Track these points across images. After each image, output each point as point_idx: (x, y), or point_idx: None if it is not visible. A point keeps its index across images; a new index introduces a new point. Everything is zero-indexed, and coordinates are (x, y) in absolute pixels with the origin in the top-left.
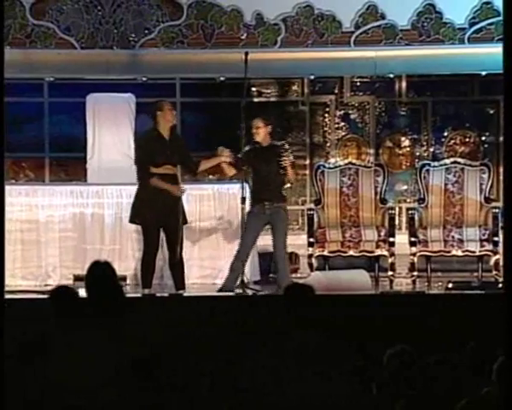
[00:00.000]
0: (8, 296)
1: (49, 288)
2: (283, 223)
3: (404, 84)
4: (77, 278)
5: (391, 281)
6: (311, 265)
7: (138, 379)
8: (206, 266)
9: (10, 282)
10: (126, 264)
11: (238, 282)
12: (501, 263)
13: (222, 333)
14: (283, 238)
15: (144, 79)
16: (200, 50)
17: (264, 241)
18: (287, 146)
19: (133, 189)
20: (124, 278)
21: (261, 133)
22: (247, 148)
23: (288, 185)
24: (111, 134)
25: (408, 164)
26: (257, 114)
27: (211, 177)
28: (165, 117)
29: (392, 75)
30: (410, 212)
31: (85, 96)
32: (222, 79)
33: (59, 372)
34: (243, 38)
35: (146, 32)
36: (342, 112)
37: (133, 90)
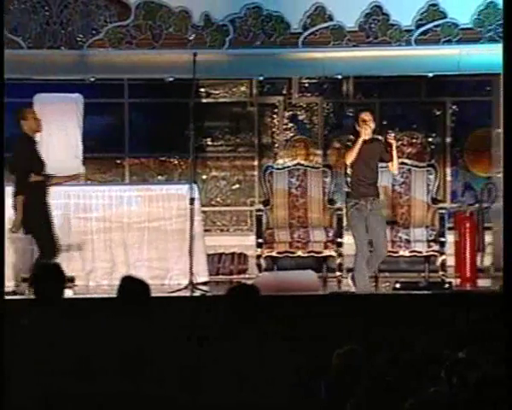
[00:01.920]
0: None
1: None
2: (384, 218)
3: (351, 86)
4: (23, 279)
5: (339, 281)
6: (259, 266)
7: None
8: (155, 267)
9: None
10: (75, 265)
11: None
12: (447, 263)
13: (171, 334)
14: (385, 233)
15: (92, 79)
16: (148, 51)
17: (215, 242)
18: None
19: (80, 189)
20: (72, 279)
21: (369, 128)
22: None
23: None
24: (59, 135)
25: None
26: (206, 114)
27: (159, 177)
28: (30, 126)
29: (339, 76)
30: None
31: (32, 96)
32: (170, 79)
33: None
34: (191, 38)
35: (94, 32)
36: (290, 113)
37: (81, 91)
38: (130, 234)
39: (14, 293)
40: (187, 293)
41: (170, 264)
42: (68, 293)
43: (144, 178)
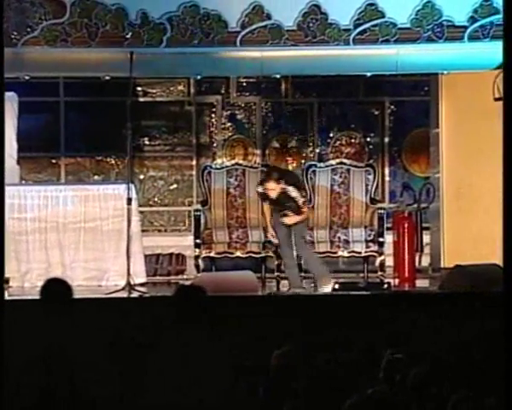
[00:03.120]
0: None
1: None
2: None
3: (290, 85)
4: None
5: (278, 282)
6: (197, 266)
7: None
8: (92, 268)
9: None
10: (9, 266)
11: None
12: (386, 264)
13: (110, 336)
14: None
15: (27, 77)
16: (84, 49)
17: (152, 242)
18: None
19: (15, 189)
20: (6, 281)
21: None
22: None
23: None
24: None
25: (294, 165)
26: (144, 114)
27: (96, 177)
28: None
29: (278, 76)
30: None
31: None
32: (107, 78)
33: None
34: (128, 36)
35: (28, 29)
36: (229, 112)
37: (16, 89)
38: (66, 235)
39: None
40: (124, 294)
41: (107, 265)
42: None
43: (80, 177)
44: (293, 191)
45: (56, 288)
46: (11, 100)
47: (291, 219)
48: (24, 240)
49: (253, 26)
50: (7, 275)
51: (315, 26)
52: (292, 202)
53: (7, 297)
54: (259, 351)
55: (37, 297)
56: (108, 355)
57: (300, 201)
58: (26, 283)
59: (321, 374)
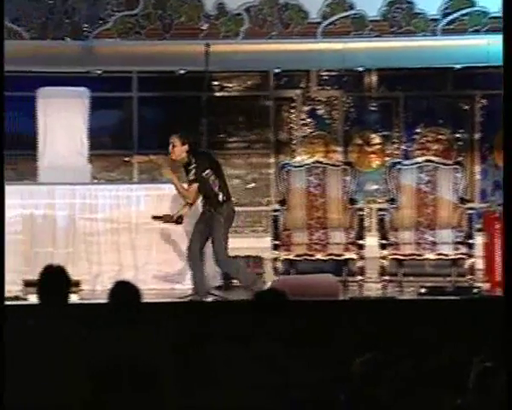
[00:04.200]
0: None
1: None
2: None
3: (374, 78)
4: (27, 284)
5: (360, 286)
6: (276, 269)
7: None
8: (165, 271)
9: None
10: (80, 268)
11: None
12: (476, 267)
13: (184, 341)
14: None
15: (99, 72)
16: (158, 42)
17: (229, 244)
18: None
19: (87, 188)
20: (77, 283)
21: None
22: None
23: None
24: (63, 130)
25: (378, 162)
26: (220, 109)
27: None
28: None
29: (361, 69)
30: (380, 213)
31: (36, 90)
32: (181, 72)
33: None
34: (204, 28)
35: (100, 22)
36: (309, 107)
37: (87, 84)
38: (139, 236)
39: (16, 298)
40: (198, 298)
41: (180, 267)
42: (74, 298)
43: (154, 176)
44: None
45: (124, 291)
46: (82, 95)
47: None
48: (95, 241)
49: (335, 17)
50: (77, 277)
51: (400, 16)
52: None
53: (77, 301)
54: (341, 358)
55: (106, 301)
56: (181, 363)
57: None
58: (97, 285)
59: (406, 382)
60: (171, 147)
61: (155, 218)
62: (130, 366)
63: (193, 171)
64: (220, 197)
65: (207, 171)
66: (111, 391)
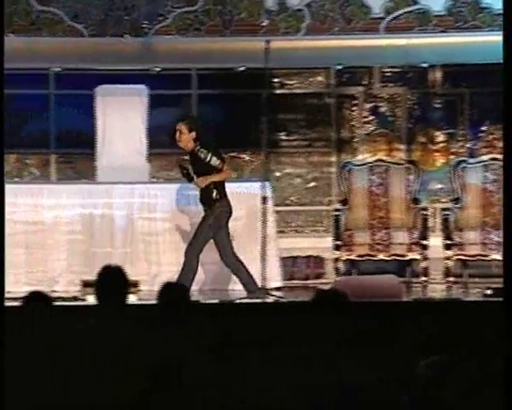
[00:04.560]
0: (11, 304)
1: (55, 294)
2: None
3: (438, 75)
4: (85, 284)
5: (424, 287)
6: (337, 269)
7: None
8: (222, 271)
9: (13, 288)
10: (138, 268)
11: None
12: None
13: (243, 343)
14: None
15: (158, 69)
16: (218, 38)
17: (289, 244)
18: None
19: (145, 187)
20: (136, 284)
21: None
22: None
23: None
24: (122, 129)
25: (442, 161)
26: (280, 107)
27: None
28: None
29: (425, 65)
30: (444, 213)
31: (94, 88)
32: (241, 69)
33: None
34: (264, 24)
35: (160, 18)
36: (371, 105)
37: (146, 82)
38: None
39: (74, 299)
40: (259, 299)
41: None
42: (132, 298)
43: None
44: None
45: (172, 292)
46: (141, 93)
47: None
48: (154, 241)
49: (399, 12)
50: (136, 278)
51: (466, 11)
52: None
53: (136, 301)
54: (404, 359)
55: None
56: (240, 365)
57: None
58: (156, 286)
59: (471, 384)
60: (178, 134)
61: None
62: (186, 366)
63: (214, 158)
64: (214, 194)
65: (214, 158)
66: (163, 392)
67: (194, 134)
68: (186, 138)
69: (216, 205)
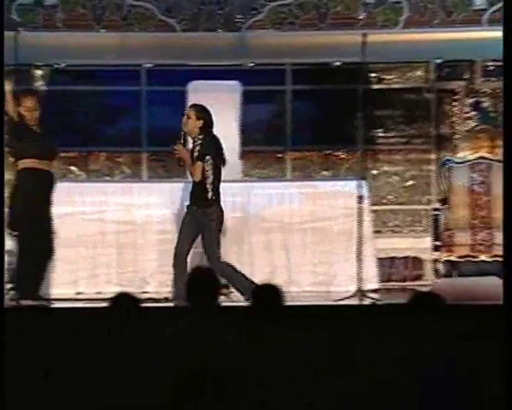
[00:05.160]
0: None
1: (146, 295)
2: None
3: None
4: None
5: None
6: (436, 271)
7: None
8: (319, 272)
9: (105, 288)
10: None
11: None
12: None
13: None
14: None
15: (251, 64)
16: (313, 32)
17: (386, 244)
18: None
19: (237, 186)
20: (227, 286)
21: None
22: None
23: None
24: (214, 126)
25: None
26: (377, 102)
27: (324, 173)
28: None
29: None
30: None
31: (186, 84)
32: (337, 63)
33: None
34: (361, 18)
35: (253, 12)
36: (473, 100)
37: (238, 78)
38: (292, 235)
39: (166, 300)
40: (355, 301)
41: (336, 269)
42: (223, 300)
43: (308, 173)
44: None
45: (265, 294)
46: (234, 89)
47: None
48: (246, 241)
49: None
50: None
51: None
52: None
53: (228, 304)
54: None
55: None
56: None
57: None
58: None
59: None
60: (185, 118)
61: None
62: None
63: (197, 147)
64: (209, 195)
65: (208, 156)
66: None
67: (201, 123)
68: (192, 124)
69: (212, 208)
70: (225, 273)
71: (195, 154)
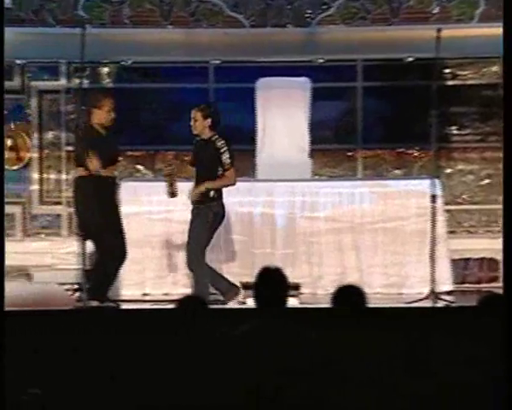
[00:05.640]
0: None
1: (213, 297)
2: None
3: None
4: (245, 286)
5: None
6: None
7: None
8: (391, 274)
9: (171, 290)
10: (300, 270)
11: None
12: None
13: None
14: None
15: (321, 60)
16: (385, 27)
17: (460, 245)
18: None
19: (306, 185)
20: (297, 287)
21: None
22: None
23: None
24: (283, 124)
25: None
26: (452, 99)
27: (396, 172)
28: (101, 118)
29: None
30: None
31: (255, 80)
32: (410, 59)
33: None
34: (435, 12)
35: (323, 7)
36: None
37: (308, 74)
38: (363, 236)
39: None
40: (428, 303)
41: (408, 270)
42: (293, 302)
43: (379, 172)
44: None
45: (350, 295)
46: (303, 86)
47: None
48: (316, 241)
49: None
50: (298, 280)
51: None
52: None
53: (297, 305)
54: None
55: (328, 305)
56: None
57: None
58: (318, 289)
59: None
60: (192, 122)
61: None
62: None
63: (227, 153)
64: (211, 194)
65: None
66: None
67: (209, 121)
68: (200, 125)
69: (213, 203)
70: (205, 274)
71: (224, 158)
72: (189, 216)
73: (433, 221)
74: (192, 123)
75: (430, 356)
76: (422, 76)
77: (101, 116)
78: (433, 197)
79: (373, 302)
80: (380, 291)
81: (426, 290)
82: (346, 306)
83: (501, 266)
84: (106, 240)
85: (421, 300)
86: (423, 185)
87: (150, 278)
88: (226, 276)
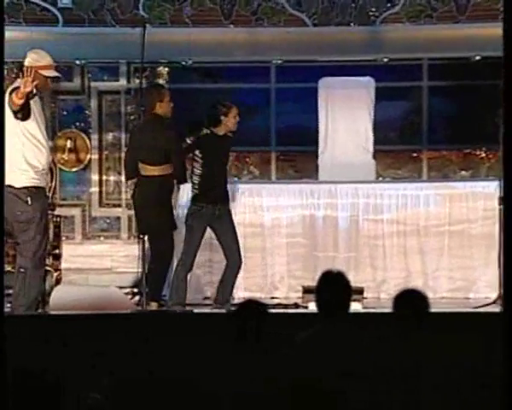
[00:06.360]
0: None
1: (275, 301)
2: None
3: None
4: (306, 290)
5: None
6: None
7: None
8: (457, 278)
9: (232, 294)
10: (363, 274)
11: None
12: None
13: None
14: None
15: (386, 59)
16: (451, 25)
17: None
18: None
19: (370, 187)
20: (360, 291)
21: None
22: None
23: None
24: (346, 124)
25: None
26: None
27: (463, 173)
28: (165, 110)
29: None
30: None
31: (317, 80)
32: (477, 58)
33: None
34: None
35: (388, 5)
36: None
37: (373, 74)
38: (428, 239)
39: (295, 305)
40: (496, 308)
41: (475, 274)
42: (356, 306)
43: (445, 173)
44: None
45: (413, 300)
46: (367, 86)
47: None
48: (380, 245)
49: None
50: (360, 284)
51: None
52: None
53: (361, 310)
54: None
55: (391, 310)
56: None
57: None
58: (382, 293)
59: None
60: (236, 119)
61: None
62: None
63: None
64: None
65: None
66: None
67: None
68: (236, 122)
69: (229, 204)
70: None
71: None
72: (248, 218)
73: (501, 224)
74: (235, 121)
75: (497, 365)
76: (490, 75)
77: (164, 109)
78: (501, 199)
79: (438, 307)
80: (445, 296)
81: (494, 295)
82: (408, 310)
83: None
84: (166, 242)
85: (488, 305)
86: (491, 187)
87: (213, 281)
88: (287, 279)
